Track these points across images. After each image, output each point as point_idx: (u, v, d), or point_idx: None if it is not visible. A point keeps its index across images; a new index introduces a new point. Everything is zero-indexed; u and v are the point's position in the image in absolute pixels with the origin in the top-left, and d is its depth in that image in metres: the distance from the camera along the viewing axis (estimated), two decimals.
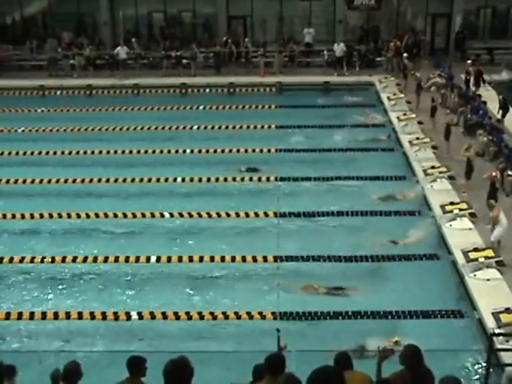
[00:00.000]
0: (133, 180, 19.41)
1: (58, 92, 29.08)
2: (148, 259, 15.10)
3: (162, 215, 17.26)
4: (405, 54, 28.60)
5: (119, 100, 27.71)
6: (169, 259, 15.10)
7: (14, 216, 17.32)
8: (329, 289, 14.12)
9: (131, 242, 16.41)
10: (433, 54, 31.92)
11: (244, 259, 14.92)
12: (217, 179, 19.33)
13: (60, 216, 17.31)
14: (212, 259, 14.99)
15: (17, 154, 21.94)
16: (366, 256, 14.91)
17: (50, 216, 17.33)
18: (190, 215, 17.23)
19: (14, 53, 32.11)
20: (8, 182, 19.73)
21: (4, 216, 17.36)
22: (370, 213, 17.08)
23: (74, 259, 15.18)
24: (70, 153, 21.72)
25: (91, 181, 19.51)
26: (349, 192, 18.52)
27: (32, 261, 15.22)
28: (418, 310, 12.91)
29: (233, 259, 14.94)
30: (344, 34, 32.23)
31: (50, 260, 15.19)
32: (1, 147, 22.28)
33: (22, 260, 15.26)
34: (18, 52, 32.33)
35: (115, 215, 17.20)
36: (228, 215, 17.13)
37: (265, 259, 14.89)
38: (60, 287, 14.65)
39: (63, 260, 15.17)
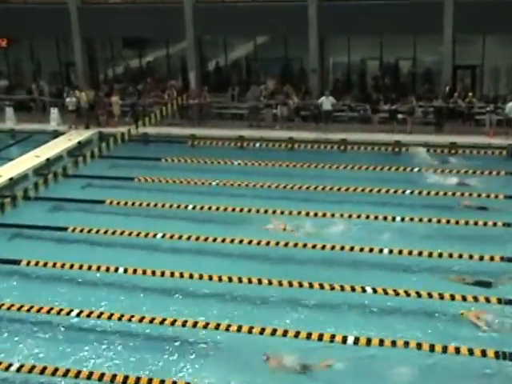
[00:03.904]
0: (325, 247, 17.50)
1: (258, 144, 26.99)
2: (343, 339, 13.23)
3: (364, 290, 15.24)
4: None
5: (323, 156, 25.18)
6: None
7: (201, 277, 16.12)
8: None
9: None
10: None
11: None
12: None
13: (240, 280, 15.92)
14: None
15: (209, 208, 20.32)
16: None
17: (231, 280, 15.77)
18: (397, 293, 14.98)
19: (215, 100, 30.54)
20: (197, 239, 18.17)
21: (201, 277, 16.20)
22: None
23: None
24: (266, 211, 19.55)
25: (277, 243, 17.65)
26: None
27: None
28: None
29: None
30: None
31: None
32: (193, 200, 20.83)
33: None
34: (219, 99, 30.76)
35: (310, 285, 15.56)
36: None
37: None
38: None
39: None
